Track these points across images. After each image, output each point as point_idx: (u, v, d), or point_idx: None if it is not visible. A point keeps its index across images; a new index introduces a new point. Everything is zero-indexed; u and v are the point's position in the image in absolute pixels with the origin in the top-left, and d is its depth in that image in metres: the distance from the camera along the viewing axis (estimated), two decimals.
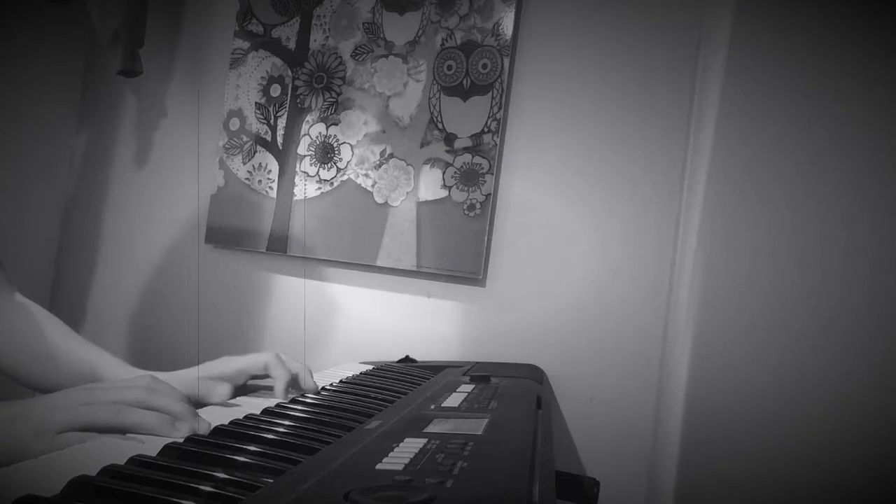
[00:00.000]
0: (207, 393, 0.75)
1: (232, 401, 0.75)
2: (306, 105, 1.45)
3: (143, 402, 0.55)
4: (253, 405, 0.72)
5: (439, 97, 1.35)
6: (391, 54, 1.40)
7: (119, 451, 0.47)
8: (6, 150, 1.51)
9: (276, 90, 1.48)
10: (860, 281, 0.65)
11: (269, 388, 0.81)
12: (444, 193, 1.33)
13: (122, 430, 0.53)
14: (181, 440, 0.51)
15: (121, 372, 0.80)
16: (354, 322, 1.41)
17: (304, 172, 1.44)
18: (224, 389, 0.75)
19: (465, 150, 1.33)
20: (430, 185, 1.34)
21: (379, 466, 0.43)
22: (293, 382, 0.80)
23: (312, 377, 0.81)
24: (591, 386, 1.25)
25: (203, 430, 0.54)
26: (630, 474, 1.19)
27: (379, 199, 1.38)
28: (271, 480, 0.41)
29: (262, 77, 1.49)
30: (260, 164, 1.47)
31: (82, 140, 1.69)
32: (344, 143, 1.42)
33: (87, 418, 0.52)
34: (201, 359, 0.87)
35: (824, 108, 0.69)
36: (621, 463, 1.20)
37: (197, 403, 0.73)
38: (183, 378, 0.75)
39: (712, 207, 0.79)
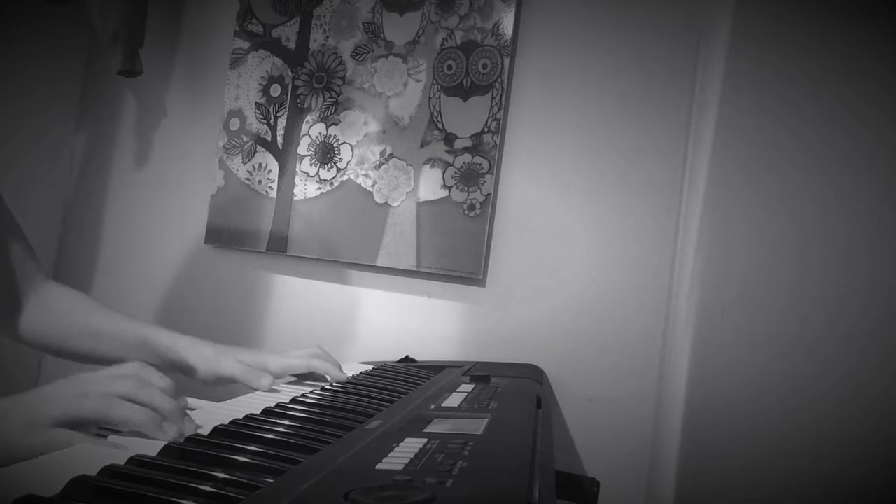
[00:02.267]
0: (255, 380, 0.82)
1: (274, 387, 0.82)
2: (306, 105, 1.45)
3: (133, 394, 0.54)
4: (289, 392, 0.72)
5: (439, 97, 1.35)
6: (391, 54, 1.40)
7: (118, 451, 0.47)
8: (6, 150, 1.51)
9: (276, 90, 1.48)
10: (860, 280, 0.65)
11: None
12: (444, 193, 1.33)
13: (110, 424, 0.52)
14: (167, 442, 0.51)
15: (164, 337, 0.86)
16: (354, 322, 1.41)
17: (304, 172, 1.44)
18: (268, 380, 0.82)
19: (465, 150, 1.33)
20: (430, 185, 1.34)
21: (379, 466, 0.42)
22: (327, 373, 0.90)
23: (341, 370, 0.91)
24: (591, 386, 1.25)
25: (190, 430, 0.54)
26: (630, 474, 1.19)
27: (379, 199, 1.38)
28: (271, 480, 0.41)
29: (262, 77, 1.49)
30: (260, 164, 1.47)
31: (82, 140, 1.69)
32: (344, 143, 1.41)
33: (77, 410, 0.51)
34: None
35: (824, 107, 0.69)
36: (621, 463, 1.20)
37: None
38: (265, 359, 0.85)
39: (712, 207, 0.79)
